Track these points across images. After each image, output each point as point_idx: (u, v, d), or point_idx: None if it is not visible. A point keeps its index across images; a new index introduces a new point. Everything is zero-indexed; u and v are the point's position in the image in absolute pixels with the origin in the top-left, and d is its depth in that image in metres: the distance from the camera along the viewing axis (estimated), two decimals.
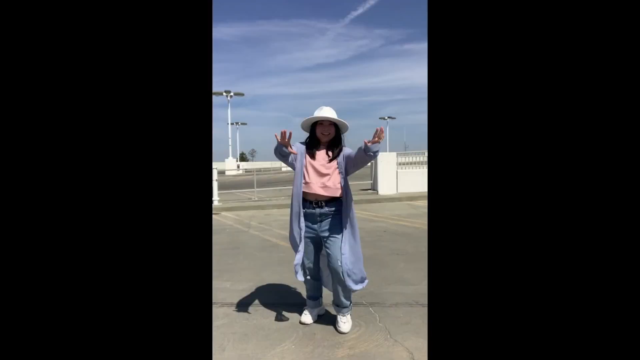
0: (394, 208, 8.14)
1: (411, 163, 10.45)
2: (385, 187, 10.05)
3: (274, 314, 2.73)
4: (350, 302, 2.50)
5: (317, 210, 2.36)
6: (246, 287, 3.35)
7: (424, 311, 2.68)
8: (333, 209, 2.37)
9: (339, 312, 2.48)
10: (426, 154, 10.04)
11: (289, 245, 5.05)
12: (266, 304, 2.93)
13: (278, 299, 3.03)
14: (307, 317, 2.58)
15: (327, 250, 2.39)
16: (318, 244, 2.47)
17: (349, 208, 2.36)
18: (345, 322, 2.44)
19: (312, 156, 2.38)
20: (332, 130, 2.37)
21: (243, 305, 2.92)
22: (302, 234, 2.38)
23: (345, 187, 2.37)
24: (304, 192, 2.36)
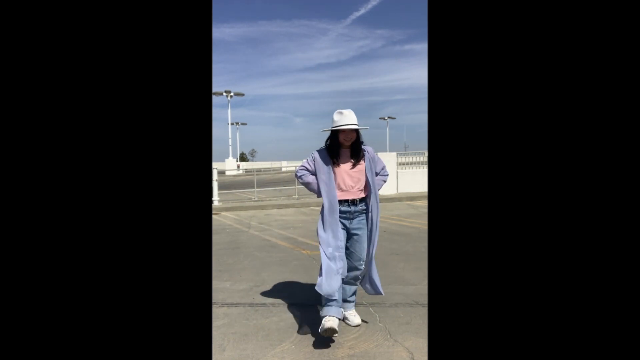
0: (394, 208, 8.14)
1: (411, 163, 10.45)
2: (385, 187, 10.04)
3: (274, 314, 2.73)
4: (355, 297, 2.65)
5: (352, 208, 2.48)
6: (246, 287, 3.35)
7: (424, 311, 2.68)
8: (364, 206, 2.51)
9: (347, 308, 2.58)
10: (426, 154, 10.04)
11: (289, 245, 5.12)
12: (266, 304, 2.93)
13: (278, 299, 3.03)
14: (333, 321, 2.25)
15: (352, 248, 2.51)
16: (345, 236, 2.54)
17: (377, 205, 2.51)
18: (355, 315, 2.58)
19: (339, 164, 2.48)
20: (354, 135, 2.45)
21: (243, 305, 2.92)
22: (339, 230, 2.42)
23: (372, 186, 2.49)
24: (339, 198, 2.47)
